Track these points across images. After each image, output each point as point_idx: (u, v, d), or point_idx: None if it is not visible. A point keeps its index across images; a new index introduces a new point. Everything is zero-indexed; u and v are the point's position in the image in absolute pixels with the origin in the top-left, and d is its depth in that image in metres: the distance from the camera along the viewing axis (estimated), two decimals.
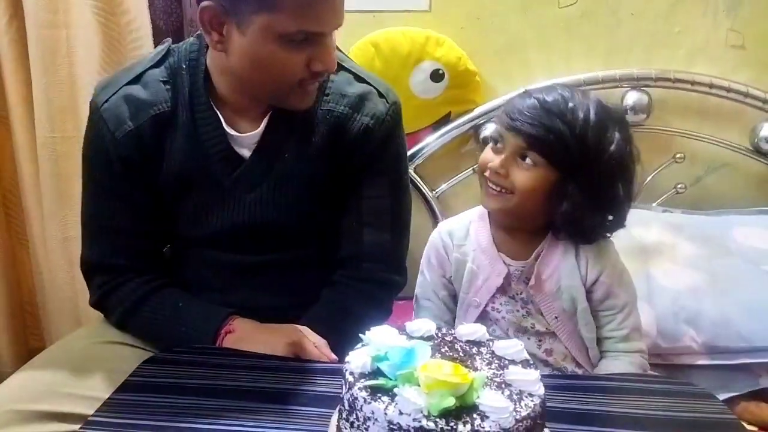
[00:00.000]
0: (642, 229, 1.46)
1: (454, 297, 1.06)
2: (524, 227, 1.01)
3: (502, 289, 1.02)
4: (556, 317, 1.00)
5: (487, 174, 0.96)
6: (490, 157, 0.97)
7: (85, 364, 0.92)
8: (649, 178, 1.61)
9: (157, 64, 0.97)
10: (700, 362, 1.27)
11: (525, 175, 0.93)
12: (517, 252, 1.01)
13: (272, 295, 1.02)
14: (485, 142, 1.60)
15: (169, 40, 1.02)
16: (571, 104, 0.92)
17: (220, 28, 0.87)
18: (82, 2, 1.49)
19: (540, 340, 1.02)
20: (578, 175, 0.92)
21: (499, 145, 0.96)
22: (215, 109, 0.95)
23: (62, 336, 1.58)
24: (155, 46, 1.56)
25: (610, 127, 0.93)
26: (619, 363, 1.00)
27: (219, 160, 0.96)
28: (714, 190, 1.65)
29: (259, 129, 0.96)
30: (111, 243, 1.00)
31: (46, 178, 1.55)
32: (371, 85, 1.00)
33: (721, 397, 1.21)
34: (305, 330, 0.93)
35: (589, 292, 1.00)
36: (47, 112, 1.51)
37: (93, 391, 0.85)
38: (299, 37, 0.85)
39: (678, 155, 1.60)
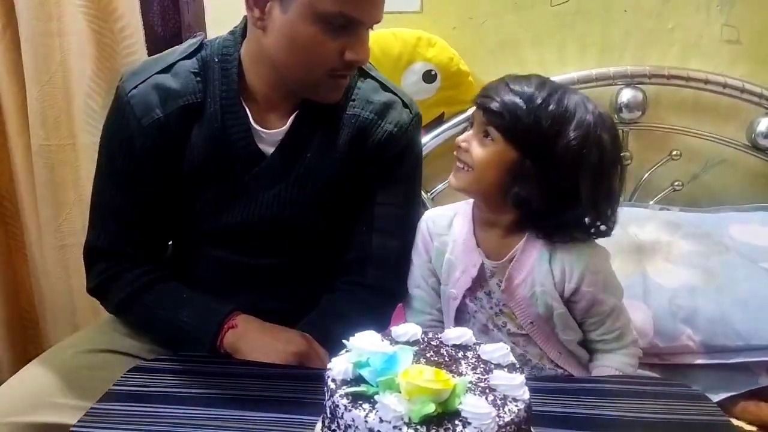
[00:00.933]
0: (638, 227, 1.45)
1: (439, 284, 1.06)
2: (497, 221, 0.99)
3: (479, 284, 1.01)
4: (531, 322, 0.99)
5: (456, 152, 0.98)
6: (462, 136, 0.99)
7: (73, 374, 0.91)
8: (645, 176, 1.60)
9: (189, 56, 0.97)
10: (698, 361, 1.26)
11: (483, 150, 0.94)
12: (494, 250, 1.01)
13: (277, 300, 1.01)
14: None
15: (202, 34, 1.03)
16: (535, 90, 0.93)
17: (263, 5, 0.89)
18: (75, 10, 1.49)
19: (514, 342, 1.01)
20: (532, 154, 0.92)
21: (470, 125, 0.99)
22: (243, 104, 0.96)
23: (57, 341, 1.59)
24: (150, 53, 1.59)
25: (576, 118, 0.92)
26: (613, 356, 1.00)
27: (242, 155, 0.96)
28: (711, 186, 1.63)
29: (285, 127, 0.97)
30: (119, 230, 1.00)
31: (42, 186, 1.55)
32: (396, 95, 1.02)
33: (721, 396, 1.21)
34: (314, 342, 0.93)
35: (571, 302, 0.98)
36: (42, 119, 1.51)
37: (81, 401, 0.84)
38: (338, 21, 0.86)
39: (674, 152, 1.59)
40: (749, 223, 1.48)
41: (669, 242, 1.43)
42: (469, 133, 0.97)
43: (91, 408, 0.74)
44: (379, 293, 1.02)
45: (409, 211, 1.05)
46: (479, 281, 1.01)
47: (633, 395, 0.83)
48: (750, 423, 1.20)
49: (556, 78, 1.51)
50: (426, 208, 1.63)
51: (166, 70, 0.96)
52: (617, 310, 1.00)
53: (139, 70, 0.98)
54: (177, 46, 1.01)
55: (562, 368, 1.01)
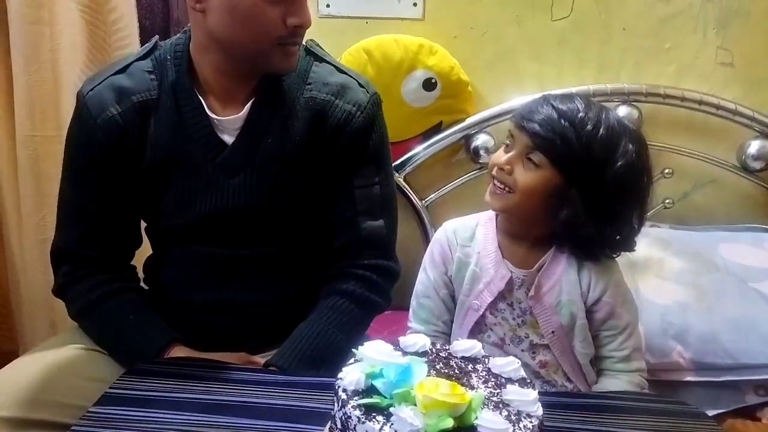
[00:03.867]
0: None
1: (453, 296, 1.06)
2: (527, 234, 1.01)
3: (502, 296, 1.01)
4: (552, 332, 0.99)
5: (494, 172, 0.97)
6: (499, 155, 0.98)
7: (60, 371, 0.90)
8: None
9: (143, 57, 1.00)
10: (688, 378, 1.27)
11: (528, 175, 0.94)
12: (521, 260, 1.01)
13: (254, 292, 1.01)
14: (476, 153, 1.59)
15: (157, 36, 1.04)
16: (584, 113, 0.93)
17: None
18: None
19: (534, 352, 1.01)
20: (580, 181, 0.93)
21: (509, 145, 0.98)
22: (199, 95, 0.97)
23: (36, 339, 1.54)
24: (141, 46, 1.56)
25: (622, 143, 0.93)
26: (617, 382, 1.00)
27: (202, 145, 0.97)
28: (701, 205, 1.66)
29: (242, 113, 0.97)
30: (83, 232, 1.01)
31: (26, 178, 1.51)
32: (351, 76, 1.03)
33: (709, 414, 1.22)
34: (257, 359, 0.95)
35: (590, 312, 1.00)
36: (28, 110, 1.48)
37: (68, 398, 0.83)
38: None
39: (666, 171, 1.61)
40: (738, 242, 1.50)
41: (661, 259, 1.44)
42: (510, 154, 0.96)
43: (89, 411, 0.71)
44: (378, 272, 1.02)
45: (387, 189, 1.06)
46: (503, 293, 1.01)
47: (637, 412, 0.83)
48: None
49: (554, 92, 1.53)
50: (420, 217, 1.64)
51: (121, 71, 0.98)
52: (631, 328, 1.01)
53: (96, 75, 1.01)
54: (133, 52, 1.04)
55: (573, 383, 1.01)
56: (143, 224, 1.09)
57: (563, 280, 0.98)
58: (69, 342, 0.98)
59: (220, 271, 1.01)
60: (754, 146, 1.58)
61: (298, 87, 0.99)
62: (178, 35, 1.01)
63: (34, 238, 1.54)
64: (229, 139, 0.97)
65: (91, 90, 0.96)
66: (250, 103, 0.97)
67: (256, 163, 0.97)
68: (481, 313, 1.01)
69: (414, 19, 1.57)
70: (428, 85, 1.54)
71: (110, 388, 0.76)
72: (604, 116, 0.94)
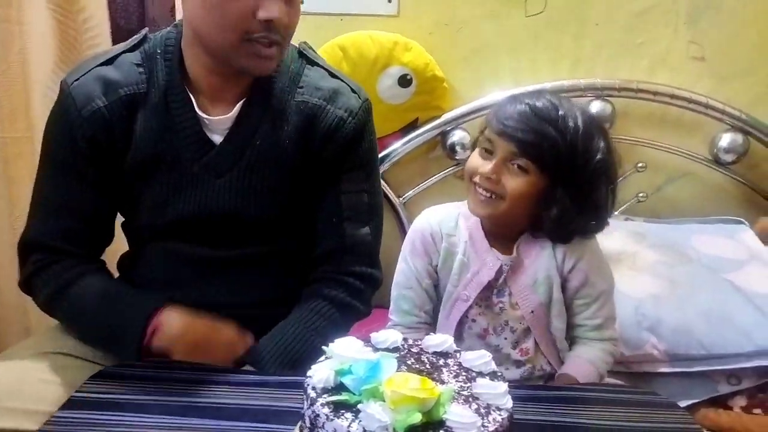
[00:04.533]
0: (604, 236, 1.45)
1: (436, 286, 1.05)
2: (508, 230, 1.02)
3: (489, 285, 1.01)
4: (532, 311, 1.00)
5: (476, 180, 0.96)
6: (478, 162, 0.97)
7: (29, 377, 0.87)
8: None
9: (131, 49, 0.97)
10: (661, 370, 1.29)
11: (516, 181, 0.94)
12: (503, 246, 1.02)
13: (236, 293, 1.00)
14: (452, 149, 1.60)
15: (147, 29, 1.01)
16: (561, 111, 0.93)
17: None
18: None
19: (516, 341, 1.02)
20: (567, 180, 0.93)
21: (488, 150, 0.96)
22: (189, 93, 0.94)
23: (9, 346, 1.51)
24: (114, 45, 1.54)
25: (596, 135, 0.95)
26: (590, 349, 1.01)
27: (189, 144, 0.95)
28: (674, 199, 1.68)
29: (231, 114, 0.95)
30: (56, 224, 0.97)
31: None
32: (344, 81, 1.02)
33: (682, 404, 1.23)
34: (248, 335, 0.94)
35: (565, 281, 1.01)
36: None
37: (37, 405, 0.81)
38: None
39: (640, 164, 1.62)
40: (711, 234, 1.52)
41: (635, 252, 1.46)
42: (495, 162, 0.94)
43: (53, 416, 0.70)
44: (360, 279, 1.01)
45: (374, 196, 1.05)
46: (491, 282, 1.01)
47: (608, 403, 0.83)
48: (709, 429, 1.23)
49: (529, 88, 1.54)
50: (397, 214, 1.64)
51: (108, 62, 0.95)
52: (605, 296, 1.02)
53: (82, 65, 0.97)
54: (120, 43, 1.00)
55: (552, 366, 1.02)
56: (119, 220, 1.07)
57: (539, 258, 1.00)
58: (37, 347, 0.95)
59: (201, 271, 1.00)
60: (726, 139, 1.60)
61: (289, 90, 0.97)
62: (169, 29, 0.99)
63: (6, 241, 1.51)
64: (217, 138, 0.96)
65: (77, 80, 0.93)
66: (240, 103, 0.95)
67: (244, 164, 0.96)
68: (470, 303, 1.01)
69: (389, 15, 1.57)
70: (404, 81, 1.54)
71: (76, 392, 0.75)
72: (575, 110, 0.95)
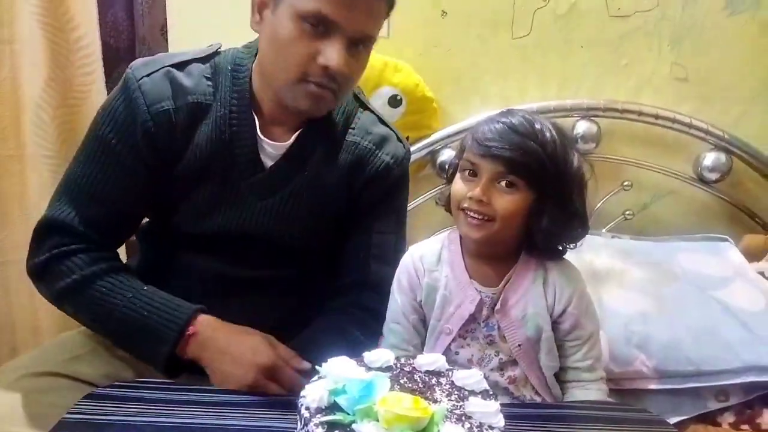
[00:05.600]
0: (593, 254, 1.49)
1: (423, 321, 1.05)
2: (495, 253, 1.01)
3: (472, 317, 1.00)
4: (519, 345, 0.99)
5: (466, 205, 0.95)
6: (464, 187, 0.96)
7: (18, 399, 0.86)
8: (598, 205, 1.65)
9: (203, 60, 0.99)
10: (651, 386, 1.29)
11: (506, 200, 0.94)
12: (488, 278, 1.01)
13: (252, 315, 0.99)
14: (442, 168, 1.62)
15: (220, 43, 1.03)
16: (537, 125, 0.94)
17: (262, 9, 0.92)
18: (30, 17, 1.44)
19: (502, 369, 1.01)
20: (553, 192, 0.94)
21: (470, 174, 0.96)
22: (253, 113, 0.97)
23: None
24: (104, 65, 1.54)
25: (568, 145, 0.97)
26: (589, 393, 1.00)
27: (242, 162, 0.97)
28: (660, 216, 1.70)
29: (289, 142, 0.98)
30: (86, 209, 0.95)
31: None
32: (392, 130, 1.08)
33: (672, 420, 1.24)
34: (279, 347, 0.93)
35: (556, 323, 1.00)
36: None
37: (26, 428, 0.80)
38: (313, 19, 0.87)
39: (626, 183, 1.65)
40: (697, 252, 1.54)
41: (622, 270, 1.47)
42: (482, 184, 0.94)
43: None
44: (372, 314, 1.04)
45: (400, 239, 1.11)
46: (473, 314, 1.00)
47: (599, 420, 0.84)
48: None
49: (518, 107, 1.56)
50: None
51: (179, 66, 0.97)
52: (594, 337, 1.02)
53: (151, 61, 0.98)
54: (189, 49, 1.01)
55: (541, 396, 1.01)
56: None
57: (529, 294, 0.99)
58: (25, 368, 0.93)
59: (221, 288, 1.01)
60: (709, 158, 1.63)
61: (343, 129, 1.02)
62: (241, 47, 1.00)
63: None
64: (268, 162, 0.98)
65: (147, 76, 0.94)
66: (297, 133, 0.99)
67: (288, 190, 0.99)
68: (453, 336, 1.00)
69: (379, 37, 1.58)
70: (394, 101, 1.56)
71: (67, 413, 0.74)
72: (547, 124, 0.96)
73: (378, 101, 1.55)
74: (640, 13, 1.60)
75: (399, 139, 1.08)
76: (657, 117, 1.61)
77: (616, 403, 0.98)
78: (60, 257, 0.94)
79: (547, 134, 0.94)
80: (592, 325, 1.02)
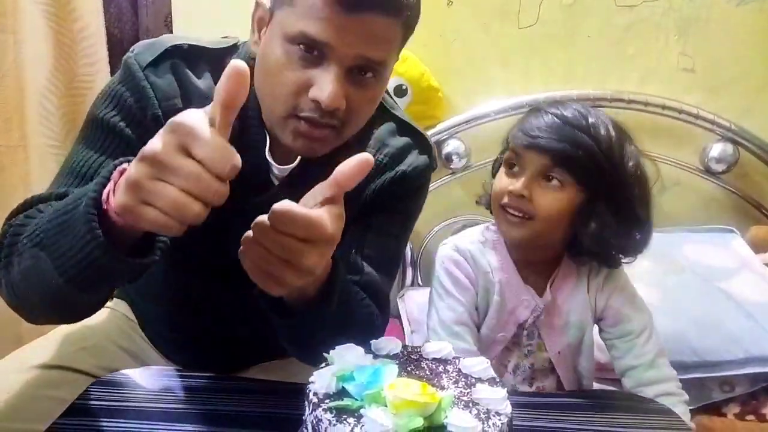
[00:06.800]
0: None
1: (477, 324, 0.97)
2: (541, 257, 0.94)
3: (520, 324, 0.95)
4: (558, 352, 0.95)
5: (505, 201, 0.88)
6: (506, 182, 0.89)
7: (20, 393, 0.84)
8: None
9: (217, 57, 0.84)
10: None
11: (550, 197, 0.86)
12: (536, 283, 0.94)
13: (248, 327, 0.91)
14: (448, 159, 1.61)
15: (239, 38, 0.89)
16: (591, 119, 0.87)
17: (261, 28, 0.79)
18: (33, 6, 1.44)
19: (533, 378, 0.97)
20: (606, 192, 0.86)
21: (515, 168, 0.89)
22: (266, 131, 0.83)
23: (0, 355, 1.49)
24: (109, 54, 1.54)
25: (626, 142, 0.89)
26: (666, 400, 0.91)
27: (251, 178, 0.79)
28: (666, 208, 1.69)
29: (293, 165, 0.84)
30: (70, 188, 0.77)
31: None
32: (412, 140, 0.91)
33: None
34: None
35: (601, 321, 0.95)
36: None
37: (29, 423, 0.77)
38: (298, 41, 0.72)
39: None
40: (702, 243, 1.54)
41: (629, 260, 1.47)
42: (524, 178, 0.87)
43: (54, 423, 0.69)
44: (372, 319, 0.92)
45: (401, 246, 0.95)
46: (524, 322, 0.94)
47: (605, 409, 0.84)
48: None
49: (522, 99, 1.56)
50: None
51: (188, 60, 0.83)
52: (648, 331, 0.95)
53: (153, 45, 0.83)
54: (198, 36, 0.87)
55: None
56: None
57: (573, 301, 0.93)
58: (28, 360, 0.91)
59: (213, 289, 0.92)
60: (716, 149, 1.63)
61: (358, 142, 0.84)
62: (253, 47, 0.84)
63: None
64: (275, 180, 0.86)
65: (153, 66, 0.81)
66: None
67: None
68: (505, 344, 0.94)
69: None
70: (399, 91, 1.56)
71: (78, 399, 0.74)
72: (604, 117, 0.88)
73: None
74: (647, 3, 1.59)
75: (422, 150, 0.91)
76: (664, 108, 1.61)
77: (622, 392, 0.98)
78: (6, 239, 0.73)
79: (602, 129, 0.86)
80: (640, 317, 0.95)
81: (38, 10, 1.44)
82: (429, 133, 1.59)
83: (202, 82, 0.82)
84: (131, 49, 0.85)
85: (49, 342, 0.98)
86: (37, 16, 1.44)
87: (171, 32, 1.60)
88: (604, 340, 0.97)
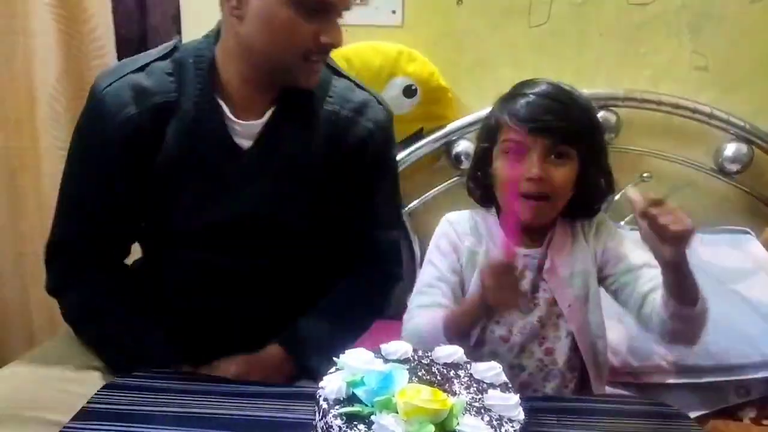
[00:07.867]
0: None
1: (462, 287, 1.02)
2: (544, 225, 1.01)
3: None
4: (569, 305, 0.98)
5: (526, 188, 0.93)
6: (516, 168, 0.94)
7: (42, 386, 0.88)
8: (617, 197, 1.62)
9: (162, 58, 0.98)
10: (670, 381, 1.28)
11: (561, 172, 0.94)
12: (528, 240, 1.00)
13: (257, 307, 1.00)
14: (458, 159, 1.60)
15: (178, 37, 1.04)
16: (571, 91, 0.97)
17: None
18: (43, 8, 1.44)
19: (543, 337, 1.01)
20: (594, 155, 0.95)
21: (517, 154, 0.95)
22: (219, 100, 0.96)
23: (11, 356, 1.50)
24: (118, 56, 1.54)
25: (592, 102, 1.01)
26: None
27: (219, 150, 0.97)
28: (680, 209, 1.67)
29: (262, 120, 0.97)
30: (84, 227, 0.99)
31: (0, 192, 1.48)
32: (370, 93, 1.05)
33: (692, 415, 1.22)
34: None
35: (603, 266, 1.01)
36: (2, 120, 1.46)
37: (50, 415, 0.80)
38: (311, 4, 0.89)
39: (645, 174, 1.62)
40: (717, 245, 1.51)
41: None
42: (534, 160, 0.92)
43: (65, 427, 0.69)
44: (387, 279, 1.09)
45: (398, 202, 1.13)
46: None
47: (619, 414, 0.83)
48: None
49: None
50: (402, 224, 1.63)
51: (139, 69, 0.96)
52: (648, 265, 0.95)
53: (113, 70, 0.99)
54: (150, 50, 1.01)
55: (573, 373, 1.00)
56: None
57: (576, 252, 0.99)
58: (50, 356, 0.96)
59: (214, 280, 1.00)
60: (730, 149, 1.60)
61: (318, 99, 1.00)
62: (200, 39, 1.00)
63: (9, 251, 1.51)
64: (245, 144, 0.97)
65: (109, 86, 0.94)
66: (270, 111, 0.97)
67: (274, 171, 0.97)
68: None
69: (393, 26, 1.57)
70: (408, 91, 1.55)
71: (88, 402, 0.74)
72: (568, 86, 0.99)
73: (392, 91, 1.54)
74: (660, 0, 1.57)
75: (379, 102, 1.05)
76: (676, 107, 1.58)
77: (636, 396, 0.97)
78: (64, 286, 1.00)
79: (580, 96, 0.96)
80: (639, 252, 0.97)
81: (48, 12, 1.45)
82: (439, 133, 1.60)
83: (150, 82, 0.95)
84: (96, 77, 0.98)
85: (64, 342, 1.01)
86: (47, 17, 1.45)
87: (179, 32, 1.60)
88: (610, 286, 1.00)
